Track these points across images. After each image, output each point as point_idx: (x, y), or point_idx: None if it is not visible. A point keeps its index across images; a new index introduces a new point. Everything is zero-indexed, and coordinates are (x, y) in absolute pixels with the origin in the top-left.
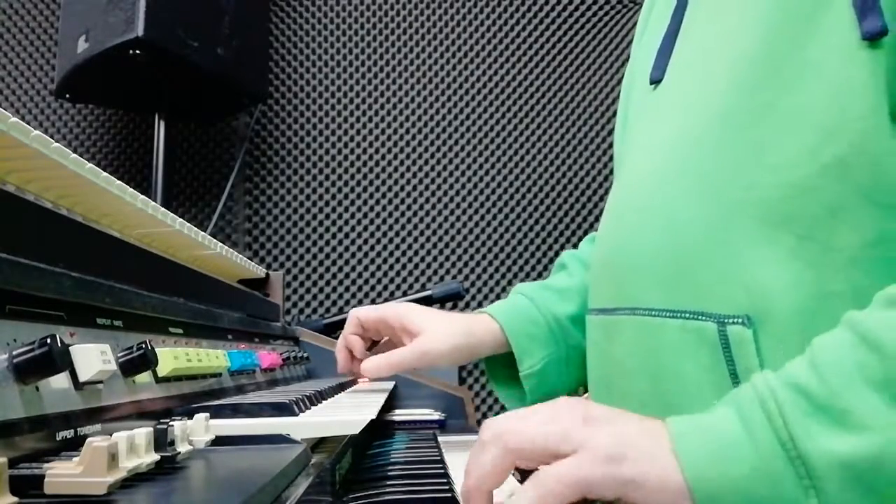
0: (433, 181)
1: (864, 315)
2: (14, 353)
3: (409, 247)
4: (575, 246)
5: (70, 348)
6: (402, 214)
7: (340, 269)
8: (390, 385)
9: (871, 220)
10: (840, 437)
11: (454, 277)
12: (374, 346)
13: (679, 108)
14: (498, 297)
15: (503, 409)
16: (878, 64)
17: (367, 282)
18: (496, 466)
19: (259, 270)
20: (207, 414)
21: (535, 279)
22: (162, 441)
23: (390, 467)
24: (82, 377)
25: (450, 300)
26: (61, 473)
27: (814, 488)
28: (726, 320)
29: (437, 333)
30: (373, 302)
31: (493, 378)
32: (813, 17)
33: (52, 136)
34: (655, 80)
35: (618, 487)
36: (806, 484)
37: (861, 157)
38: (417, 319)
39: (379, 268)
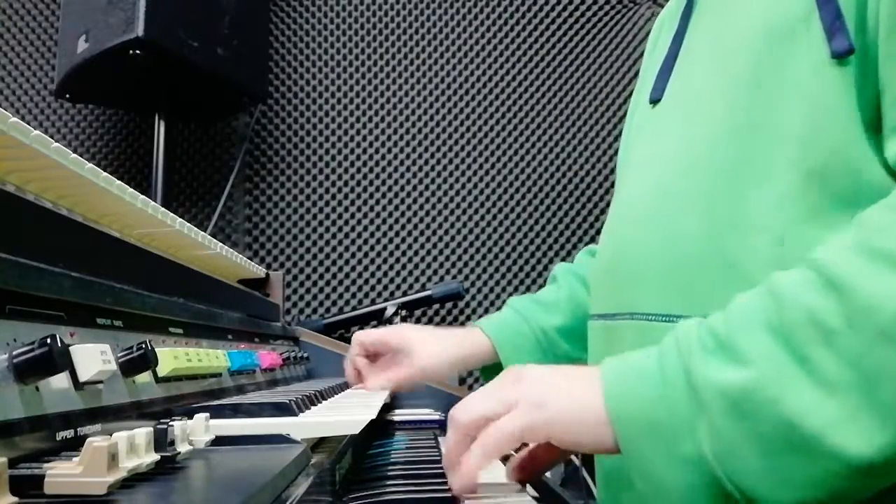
0: (433, 181)
1: (779, 273)
2: (14, 353)
3: (409, 247)
4: (574, 247)
5: (70, 348)
6: (402, 214)
7: (340, 269)
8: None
9: (844, 224)
10: (726, 369)
11: (454, 277)
12: (375, 358)
13: (677, 127)
14: (498, 297)
15: None
16: (847, 80)
17: (367, 282)
18: (455, 442)
19: (259, 270)
20: (207, 414)
21: (534, 279)
22: (162, 441)
23: (390, 467)
24: (82, 377)
25: (450, 300)
26: (61, 473)
27: (701, 411)
28: None
29: (431, 350)
30: (373, 302)
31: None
32: (791, 40)
33: (52, 136)
34: (655, 100)
35: (545, 428)
36: (696, 408)
37: (840, 166)
38: (412, 338)
39: (379, 268)
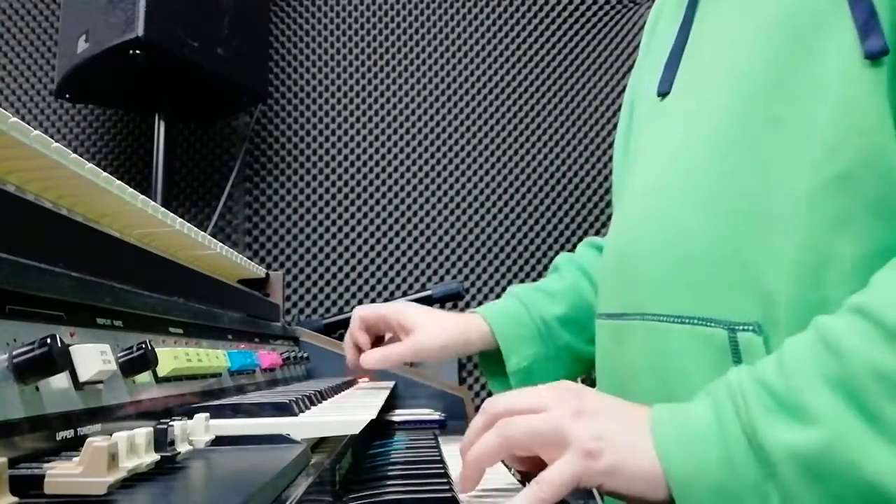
0: (433, 181)
1: (829, 320)
2: (14, 353)
3: (409, 247)
4: (574, 246)
5: (70, 348)
6: (402, 214)
7: (340, 269)
8: (390, 385)
9: (875, 231)
10: (794, 430)
11: (454, 277)
12: (378, 341)
13: (686, 120)
14: (498, 297)
15: None
16: (881, 82)
17: (367, 282)
18: (495, 450)
19: (259, 270)
20: (207, 414)
21: (534, 279)
22: (162, 441)
23: (390, 467)
24: (82, 377)
25: (450, 300)
26: (61, 473)
27: (771, 475)
28: (737, 327)
29: (430, 331)
30: (373, 302)
31: (486, 371)
32: (816, 36)
33: (52, 136)
34: (663, 93)
35: (597, 478)
36: (764, 471)
37: (868, 170)
38: (413, 317)
39: (379, 268)
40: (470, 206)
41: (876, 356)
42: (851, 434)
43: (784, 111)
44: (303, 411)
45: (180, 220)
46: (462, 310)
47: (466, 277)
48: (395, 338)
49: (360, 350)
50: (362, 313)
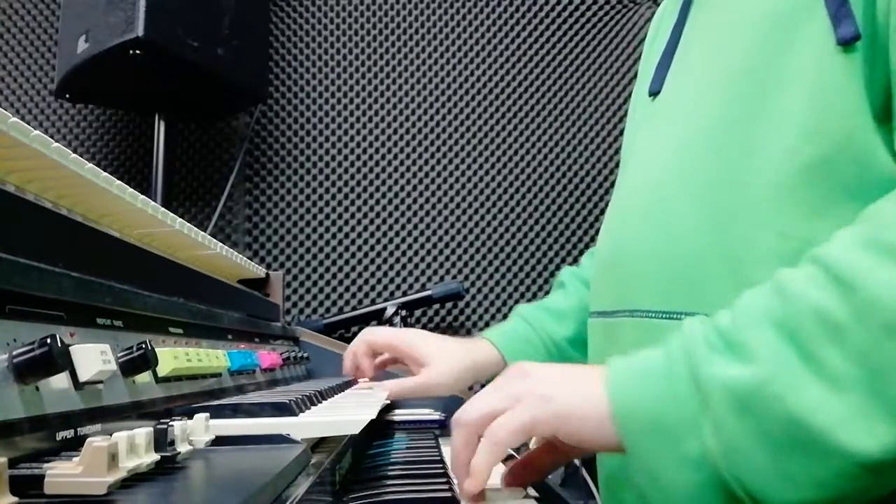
0: (433, 181)
1: (787, 270)
2: (14, 353)
3: (409, 247)
4: (574, 247)
5: (70, 348)
6: (402, 214)
7: (340, 269)
8: None
9: (853, 216)
10: (731, 366)
11: (454, 277)
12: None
13: (675, 118)
14: (498, 297)
15: None
16: (854, 67)
17: (367, 282)
18: (462, 442)
19: (259, 270)
20: (207, 414)
21: (534, 279)
22: (162, 441)
23: (390, 467)
24: (82, 377)
25: (450, 300)
26: (61, 473)
27: (707, 409)
28: None
29: (442, 366)
30: (373, 302)
31: None
32: (794, 28)
33: (52, 136)
34: (654, 92)
35: (552, 422)
36: (701, 405)
37: (844, 155)
38: (425, 350)
39: (379, 268)
40: (470, 206)
41: (821, 299)
42: (785, 372)
43: (765, 102)
44: (303, 411)
45: (180, 220)
46: (462, 310)
47: (466, 277)
48: (399, 362)
49: (358, 369)
50: (371, 340)
